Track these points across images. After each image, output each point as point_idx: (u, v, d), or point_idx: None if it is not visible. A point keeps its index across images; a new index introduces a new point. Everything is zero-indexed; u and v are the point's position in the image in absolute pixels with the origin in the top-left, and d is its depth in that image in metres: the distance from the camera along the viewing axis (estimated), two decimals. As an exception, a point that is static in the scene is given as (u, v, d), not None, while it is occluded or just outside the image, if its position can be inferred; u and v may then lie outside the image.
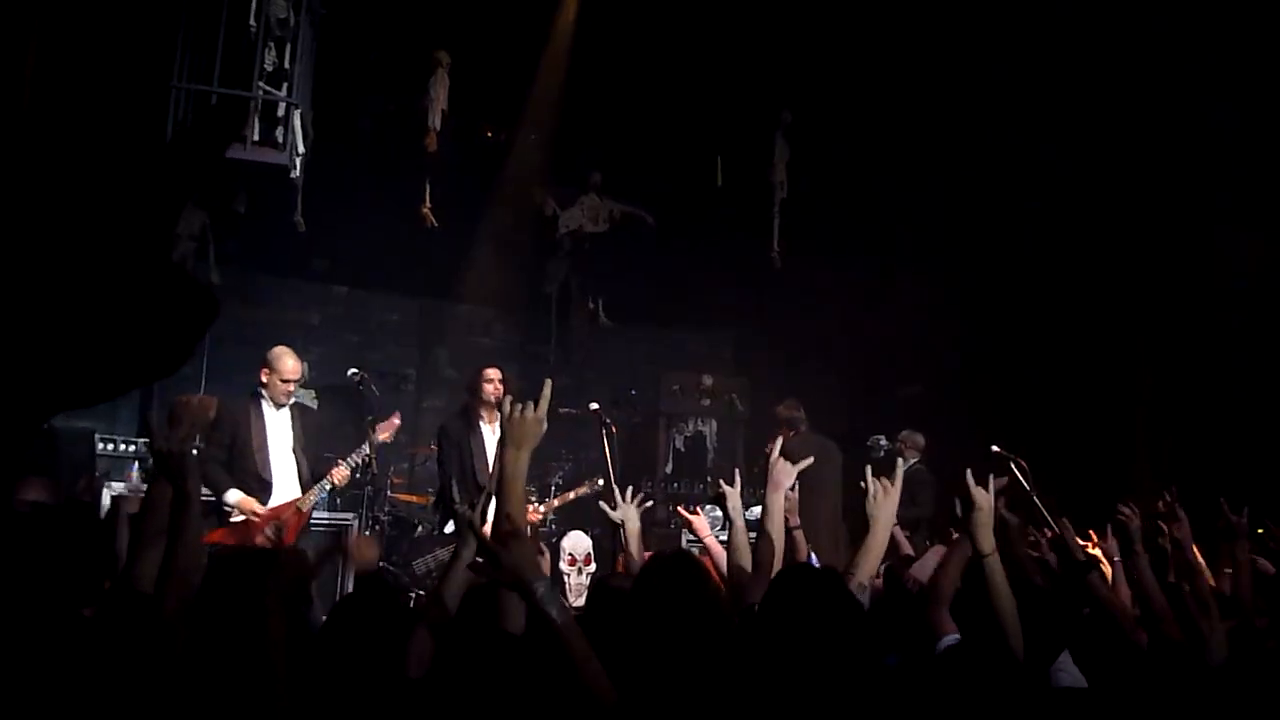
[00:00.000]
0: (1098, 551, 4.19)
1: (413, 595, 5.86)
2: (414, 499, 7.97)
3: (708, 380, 10.36)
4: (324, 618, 2.75)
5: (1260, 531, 4.36)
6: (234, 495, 5.60)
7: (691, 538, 6.18)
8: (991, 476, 2.76)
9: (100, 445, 7.35)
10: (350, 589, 5.39)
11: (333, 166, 7.72)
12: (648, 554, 7.08)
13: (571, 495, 6.61)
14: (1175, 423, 7.51)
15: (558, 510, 6.92)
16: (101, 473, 6.93)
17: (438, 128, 7.91)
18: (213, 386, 7.71)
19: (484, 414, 6.24)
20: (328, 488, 5.87)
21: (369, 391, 6.15)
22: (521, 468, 2.53)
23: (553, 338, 10.47)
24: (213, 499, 5.49)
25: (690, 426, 10.28)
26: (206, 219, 8.52)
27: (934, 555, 3.87)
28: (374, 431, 6.06)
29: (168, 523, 2.50)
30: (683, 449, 10.08)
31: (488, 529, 2.73)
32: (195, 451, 2.64)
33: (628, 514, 3.80)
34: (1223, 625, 2.96)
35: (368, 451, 5.97)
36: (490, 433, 6.15)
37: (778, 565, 3.12)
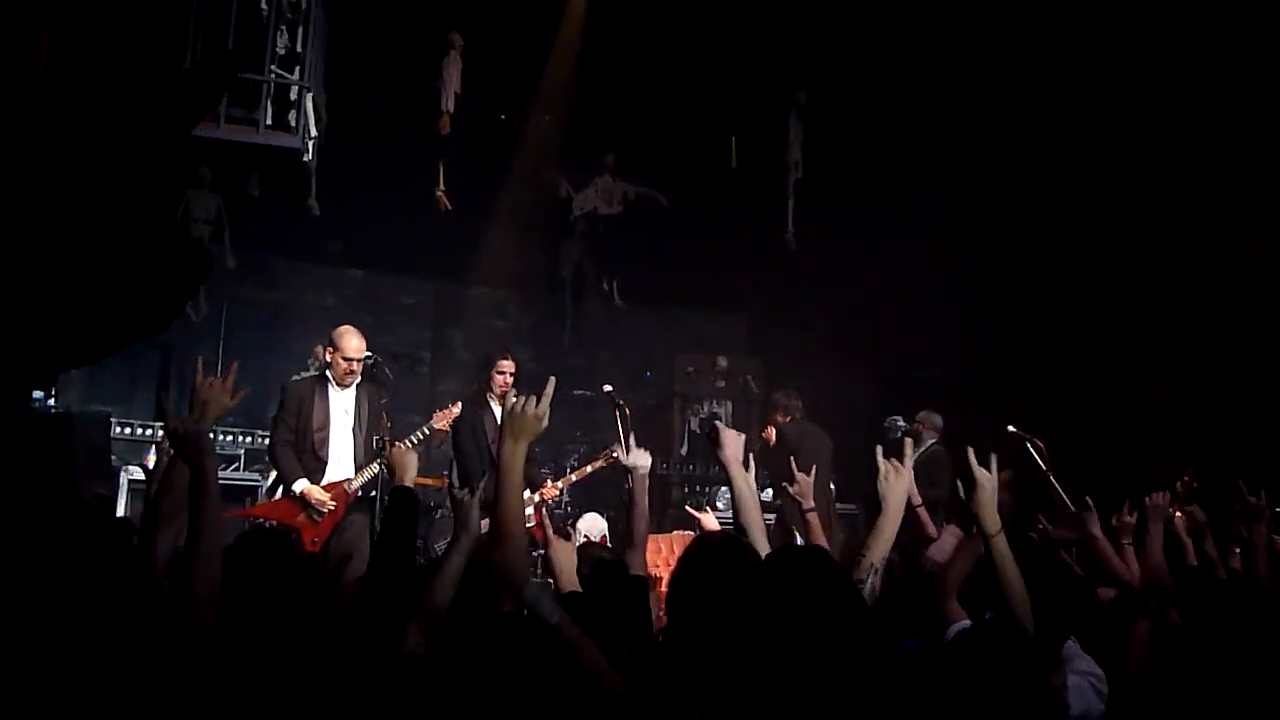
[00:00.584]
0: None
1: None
2: (429, 482, 8.00)
3: (722, 362, 10.35)
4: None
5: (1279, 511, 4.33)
6: (301, 485, 5.64)
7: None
8: (994, 456, 2.70)
9: (117, 429, 7.41)
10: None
11: (346, 150, 7.72)
12: (683, 534, 7.13)
13: (589, 469, 6.64)
14: (1194, 405, 7.44)
15: (574, 486, 6.95)
16: (118, 457, 6.99)
17: (451, 110, 7.90)
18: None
19: (495, 395, 6.35)
20: (376, 469, 5.82)
21: (383, 374, 6.15)
22: (518, 460, 2.65)
23: (567, 320, 10.47)
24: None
25: (705, 408, 10.28)
26: (221, 203, 8.58)
27: (950, 536, 3.85)
28: (432, 418, 6.14)
29: (184, 503, 2.52)
30: (698, 430, 10.05)
31: (486, 527, 2.78)
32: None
33: (639, 458, 3.67)
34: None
35: (424, 434, 6.05)
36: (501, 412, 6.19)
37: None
